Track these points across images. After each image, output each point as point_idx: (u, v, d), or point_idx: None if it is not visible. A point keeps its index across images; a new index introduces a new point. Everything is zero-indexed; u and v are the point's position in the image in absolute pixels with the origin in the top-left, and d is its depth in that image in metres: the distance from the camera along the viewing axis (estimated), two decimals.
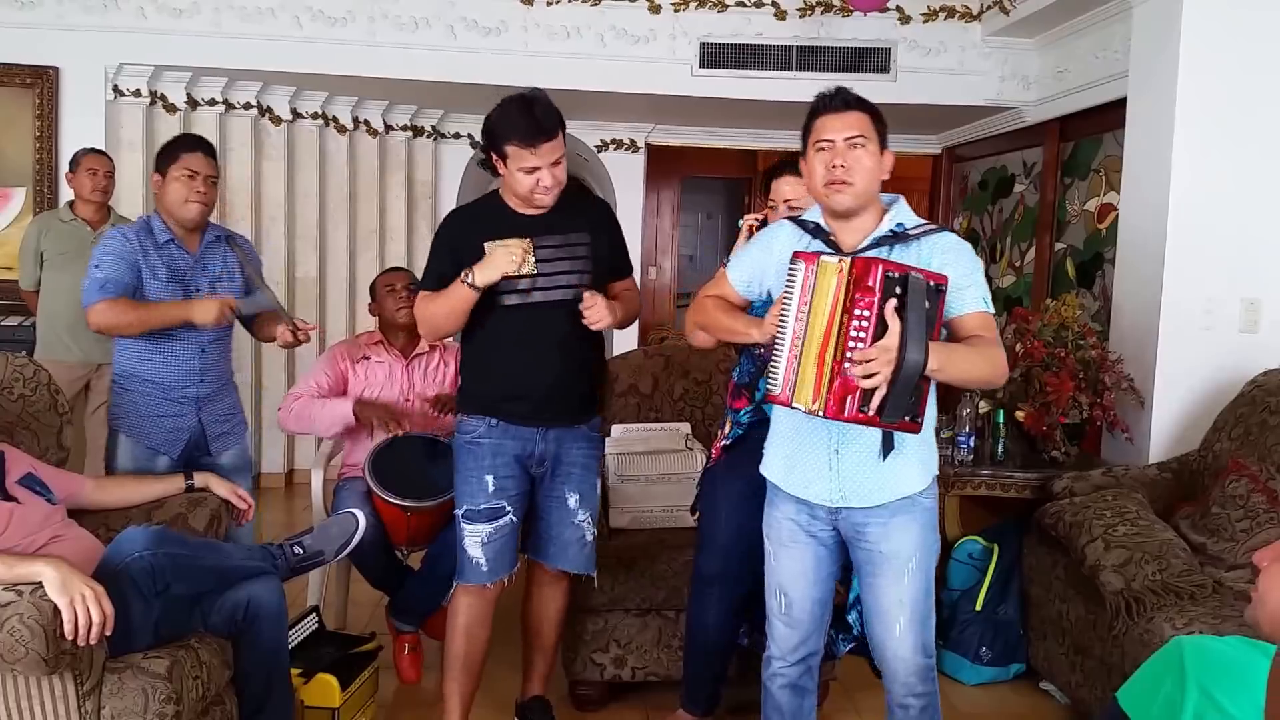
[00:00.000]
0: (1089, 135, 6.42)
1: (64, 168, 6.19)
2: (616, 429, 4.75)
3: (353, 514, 3.86)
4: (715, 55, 6.98)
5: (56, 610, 2.74)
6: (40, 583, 2.78)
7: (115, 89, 6.83)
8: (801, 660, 3.33)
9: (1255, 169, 4.84)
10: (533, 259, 3.57)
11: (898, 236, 3.01)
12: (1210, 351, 4.84)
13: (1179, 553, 3.87)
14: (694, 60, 7.01)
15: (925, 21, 6.93)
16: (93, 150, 6.02)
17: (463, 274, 3.52)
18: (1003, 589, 4.62)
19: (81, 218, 5.91)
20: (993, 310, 3.04)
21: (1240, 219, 4.84)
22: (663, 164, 9.63)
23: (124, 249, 4.03)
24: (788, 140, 8.19)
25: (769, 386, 2.93)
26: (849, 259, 2.82)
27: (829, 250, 3.00)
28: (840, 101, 3.06)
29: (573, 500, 3.76)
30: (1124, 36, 5.54)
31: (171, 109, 7.08)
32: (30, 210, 6.66)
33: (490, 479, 3.67)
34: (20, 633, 2.69)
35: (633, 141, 9.14)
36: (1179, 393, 4.88)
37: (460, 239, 3.65)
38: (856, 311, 2.76)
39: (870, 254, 2.89)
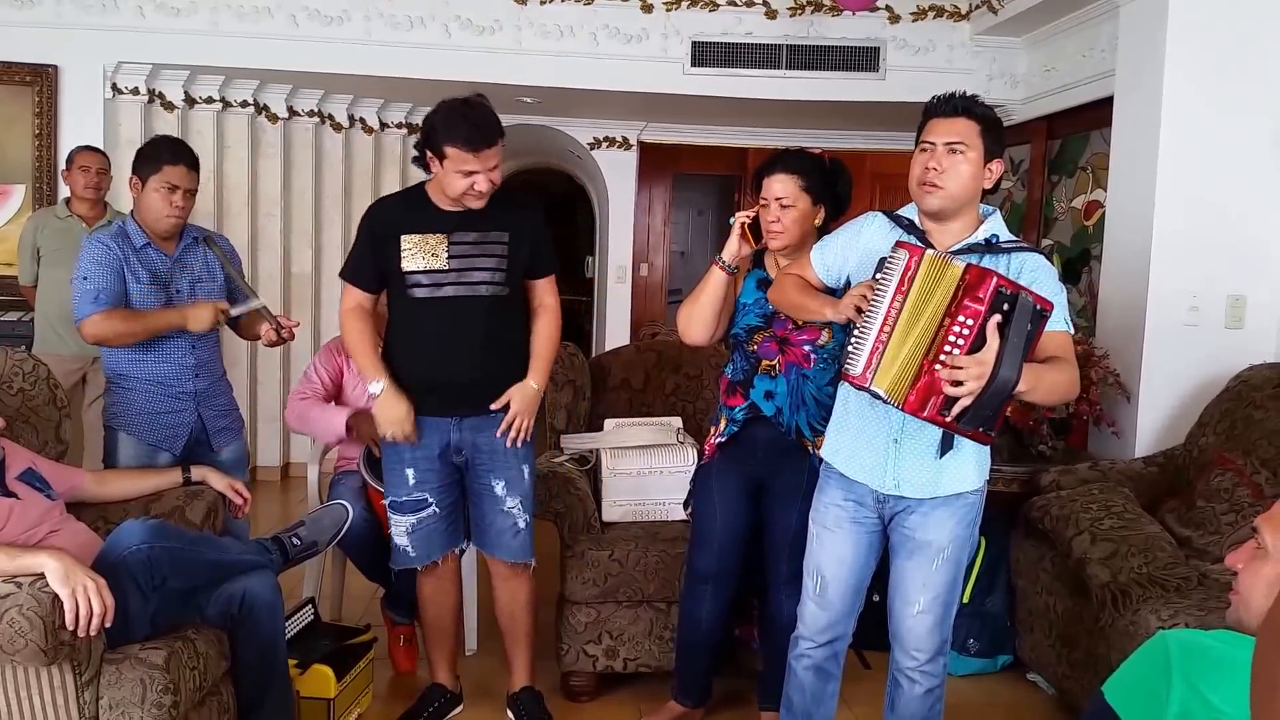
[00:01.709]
0: (1076, 133, 6.45)
1: (63, 165, 6.22)
2: (609, 423, 4.78)
3: (342, 504, 3.93)
4: (706, 54, 7.01)
5: (55, 602, 2.76)
6: (40, 574, 2.80)
7: (114, 87, 6.85)
8: (829, 643, 3.38)
9: (1241, 166, 4.87)
10: (445, 253, 3.64)
11: (989, 247, 3.05)
12: (1195, 347, 4.87)
13: (1165, 546, 3.90)
14: (685, 59, 7.04)
15: (914, 20, 6.98)
16: (86, 148, 6.05)
17: (371, 382, 3.73)
18: (990, 581, 4.66)
19: (77, 214, 5.94)
20: (1072, 330, 3.09)
21: (1226, 216, 4.87)
22: (655, 161, 9.64)
23: (107, 257, 3.99)
24: (778, 138, 8.26)
25: (847, 366, 2.94)
26: (964, 264, 2.84)
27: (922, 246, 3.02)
28: (950, 106, 3.06)
29: (499, 487, 3.81)
30: (1111, 35, 5.59)
31: (169, 107, 7.10)
32: (30, 207, 6.69)
33: (410, 472, 3.78)
34: (20, 624, 2.72)
35: (625, 139, 9.21)
36: (1165, 388, 4.91)
37: (381, 230, 3.72)
38: (960, 318, 2.78)
39: (962, 259, 2.90)
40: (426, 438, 3.77)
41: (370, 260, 3.75)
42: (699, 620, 3.92)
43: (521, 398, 3.77)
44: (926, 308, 2.84)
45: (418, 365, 3.72)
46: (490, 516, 3.86)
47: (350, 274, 3.82)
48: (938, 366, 2.78)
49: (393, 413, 3.68)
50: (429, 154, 3.60)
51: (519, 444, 3.79)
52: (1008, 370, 2.74)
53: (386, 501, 3.87)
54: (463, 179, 3.54)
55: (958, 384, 2.75)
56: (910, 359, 2.84)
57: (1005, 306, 2.76)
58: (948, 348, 2.78)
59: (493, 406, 3.75)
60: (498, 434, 3.76)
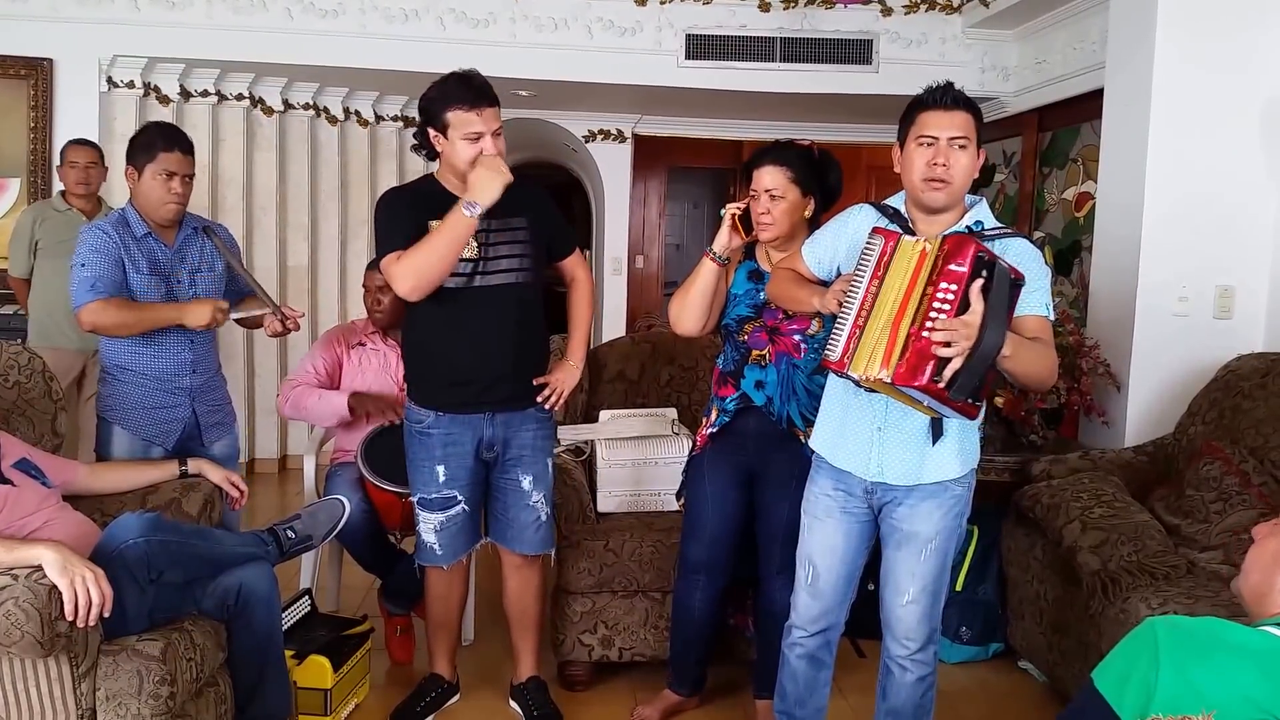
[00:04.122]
0: (1067, 125, 6.50)
1: (57, 159, 6.22)
2: (604, 414, 4.80)
3: (339, 499, 3.91)
4: (701, 47, 7.05)
5: (52, 594, 2.77)
6: (38, 566, 2.81)
7: (109, 80, 6.87)
8: (821, 632, 3.41)
9: (1229, 158, 4.89)
10: (474, 241, 3.61)
11: (974, 234, 3.05)
12: (1185, 337, 4.90)
13: (1154, 534, 3.92)
14: (680, 52, 7.08)
15: (907, 14, 7.04)
16: (76, 142, 6.05)
17: (460, 204, 3.46)
18: (982, 570, 4.69)
19: (76, 207, 5.94)
20: (1053, 316, 3.10)
21: (1214, 208, 4.89)
22: (649, 154, 9.68)
23: (105, 244, 3.97)
24: (773, 130, 8.30)
25: (826, 353, 2.95)
26: (939, 236, 2.86)
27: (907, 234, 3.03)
28: (950, 99, 3.04)
29: (526, 482, 3.83)
30: (1101, 28, 5.62)
31: (165, 100, 7.12)
32: (25, 200, 6.70)
33: (441, 469, 3.75)
34: (16, 616, 2.72)
35: (620, 132, 9.24)
36: (1154, 378, 4.93)
37: (406, 213, 3.66)
38: (943, 285, 2.78)
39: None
40: (460, 435, 3.75)
41: (407, 229, 3.58)
42: (692, 610, 3.94)
43: (563, 372, 3.85)
44: (905, 285, 2.84)
45: (453, 360, 3.70)
46: (514, 511, 3.87)
47: (398, 243, 3.57)
48: (926, 333, 2.77)
49: (481, 175, 3.48)
50: (431, 133, 3.60)
51: (551, 408, 3.85)
52: (993, 333, 2.75)
53: (415, 498, 3.85)
54: (471, 145, 3.54)
55: (947, 345, 2.74)
56: (894, 334, 2.82)
57: (984, 272, 2.76)
58: (934, 314, 2.77)
59: (536, 382, 3.78)
60: (539, 398, 3.79)
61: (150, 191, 4.04)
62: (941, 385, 2.79)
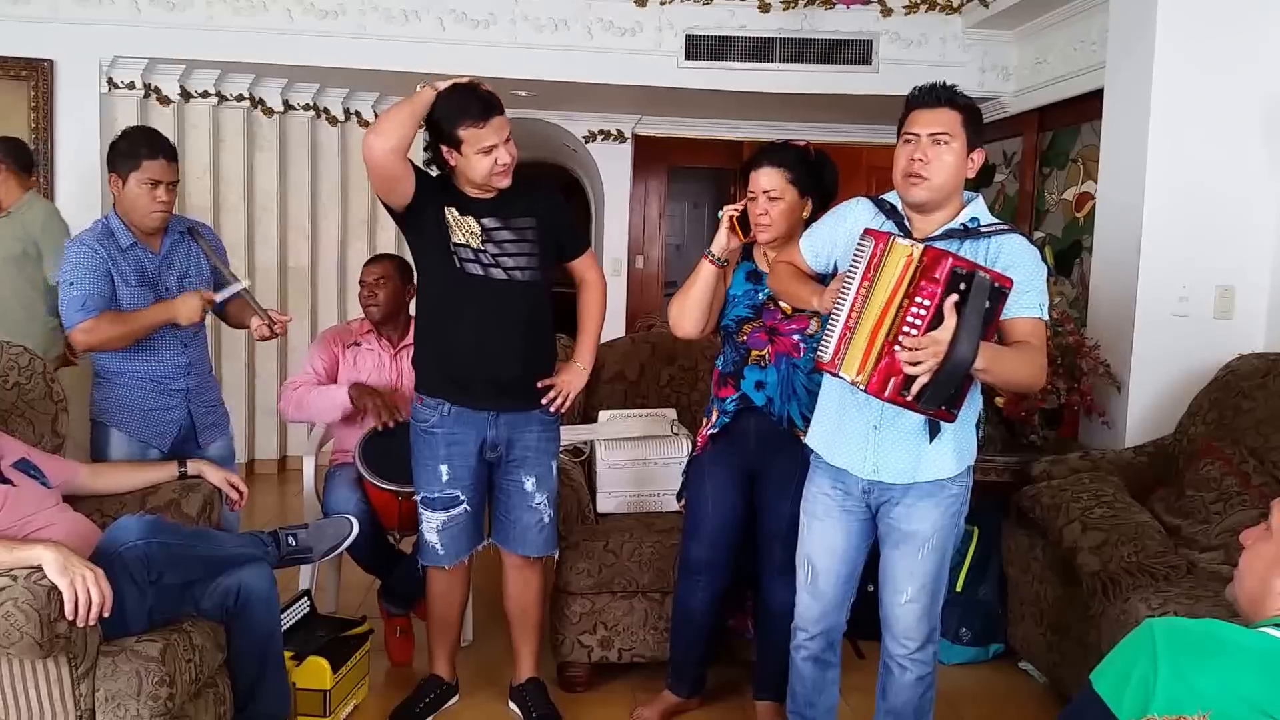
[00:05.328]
0: (1067, 125, 6.49)
1: (59, 160, 6.19)
2: (603, 414, 4.80)
3: (348, 519, 3.88)
4: (700, 47, 7.04)
5: (51, 595, 2.77)
6: (37, 567, 2.81)
7: (110, 81, 6.86)
8: (823, 633, 3.42)
9: (1229, 158, 4.88)
10: (480, 237, 3.64)
11: (969, 231, 3.06)
12: (1185, 337, 4.88)
13: (1154, 535, 3.92)
14: (680, 52, 7.07)
15: (907, 14, 7.02)
16: None
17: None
18: (982, 570, 4.69)
19: None
20: (1047, 318, 3.09)
21: (1214, 208, 4.88)
22: (650, 154, 9.68)
23: (92, 260, 3.91)
24: (773, 131, 8.30)
25: (819, 353, 2.98)
26: (920, 245, 2.86)
27: (900, 233, 3.04)
28: (933, 97, 3.07)
29: (529, 484, 3.83)
30: (1101, 28, 5.61)
31: (165, 101, 7.12)
32: None
33: (444, 469, 3.76)
34: (15, 617, 2.72)
35: (620, 132, 9.24)
36: (1154, 378, 4.92)
37: (428, 184, 3.68)
38: (918, 299, 2.80)
39: (941, 245, 2.93)
40: (464, 435, 3.76)
41: (425, 180, 3.67)
42: (693, 610, 3.95)
43: (570, 374, 3.86)
44: (889, 292, 2.86)
45: (460, 354, 3.71)
46: (517, 513, 3.87)
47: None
48: (896, 347, 2.80)
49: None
50: (445, 149, 3.62)
51: (556, 410, 3.85)
52: (964, 348, 2.76)
53: (418, 497, 3.86)
54: (485, 158, 3.56)
55: (915, 364, 2.77)
56: (872, 341, 2.86)
57: (961, 286, 2.77)
58: (906, 328, 2.81)
59: (541, 384, 3.79)
60: (544, 400, 3.80)
61: (136, 200, 3.99)
62: (909, 399, 2.83)
